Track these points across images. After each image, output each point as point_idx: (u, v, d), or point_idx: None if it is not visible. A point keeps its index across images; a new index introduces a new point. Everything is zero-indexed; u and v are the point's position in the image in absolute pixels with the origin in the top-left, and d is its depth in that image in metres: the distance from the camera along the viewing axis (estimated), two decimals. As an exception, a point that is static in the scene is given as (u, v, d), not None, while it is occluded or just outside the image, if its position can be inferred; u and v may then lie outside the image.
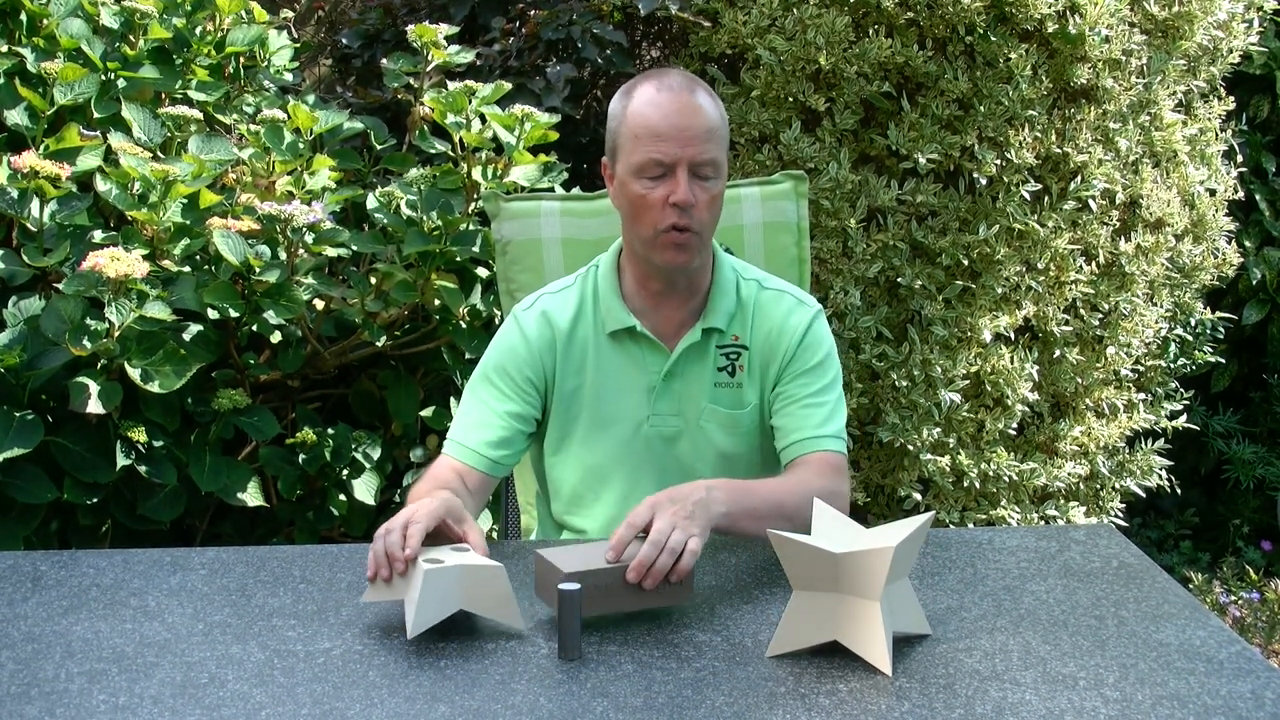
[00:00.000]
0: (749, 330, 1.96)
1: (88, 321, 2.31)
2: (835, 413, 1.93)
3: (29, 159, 2.37)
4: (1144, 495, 3.64)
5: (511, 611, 1.57)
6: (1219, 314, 3.91)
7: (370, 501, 2.72)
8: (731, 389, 1.95)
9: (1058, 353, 3.34)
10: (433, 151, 2.89)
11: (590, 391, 1.95)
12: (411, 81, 3.01)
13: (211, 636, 1.56)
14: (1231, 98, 3.70)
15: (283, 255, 2.56)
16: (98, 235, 2.48)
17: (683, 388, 1.95)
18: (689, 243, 1.84)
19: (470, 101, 2.74)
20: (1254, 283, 4.00)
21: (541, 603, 1.62)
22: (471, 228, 2.69)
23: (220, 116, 2.92)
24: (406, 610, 1.53)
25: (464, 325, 2.74)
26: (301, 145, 2.71)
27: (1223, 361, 4.03)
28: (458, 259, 2.69)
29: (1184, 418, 3.76)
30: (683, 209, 1.81)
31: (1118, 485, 3.48)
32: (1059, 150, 3.22)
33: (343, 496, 2.72)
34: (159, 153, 2.65)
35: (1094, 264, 3.35)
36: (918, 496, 3.20)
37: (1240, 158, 3.93)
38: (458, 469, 1.89)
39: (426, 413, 2.86)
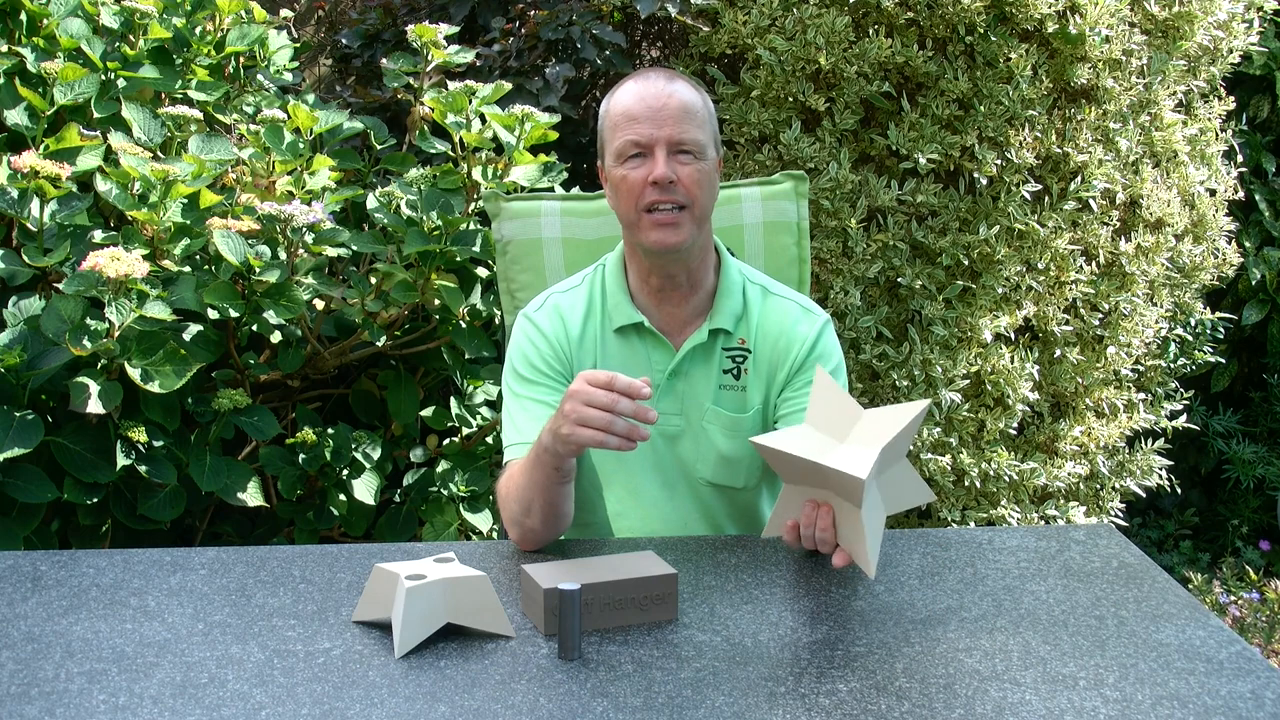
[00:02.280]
0: (754, 335, 1.96)
1: (88, 321, 2.31)
2: None
3: (29, 159, 2.37)
4: (1144, 495, 3.64)
5: (500, 620, 1.56)
6: (1219, 314, 3.91)
7: (370, 501, 2.72)
8: (736, 392, 1.96)
9: (1058, 353, 3.34)
10: (433, 151, 2.89)
11: None
12: (411, 81, 3.01)
13: (211, 636, 1.56)
14: (1231, 98, 3.70)
15: (283, 255, 2.56)
16: (98, 235, 2.48)
17: (686, 387, 1.95)
18: (677, 220, 1.84)
19: (470, 101, 2.74)
20: (1254, 283, 4.00)
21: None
22: (471, 228, 2.69)
23: (220, 116, 2.92)
24: (393, 629, 1.53)
25: (464, 325, 2.74)
26: (301, 145, 2.71)
27: (1223, 361, 4.03)
28: (458, 259, 2.69)
29: (1184, 418, 3.76)
30: (662, 186, 1.82)
31: (1118, 485, 3.48)
32: (1059, 150, 3.22)
33: (343, 496, 2.72)
34: (159, 153, 2.65)
35: (1094, 264, 3.35)
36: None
37: (1240, 158, 3.93)
38: None
39: (426, 413, 2.86)
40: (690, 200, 1.84)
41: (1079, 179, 3.26)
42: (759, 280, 2.01)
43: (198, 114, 2.67)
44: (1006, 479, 3.25)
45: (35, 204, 2.46)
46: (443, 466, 2.82)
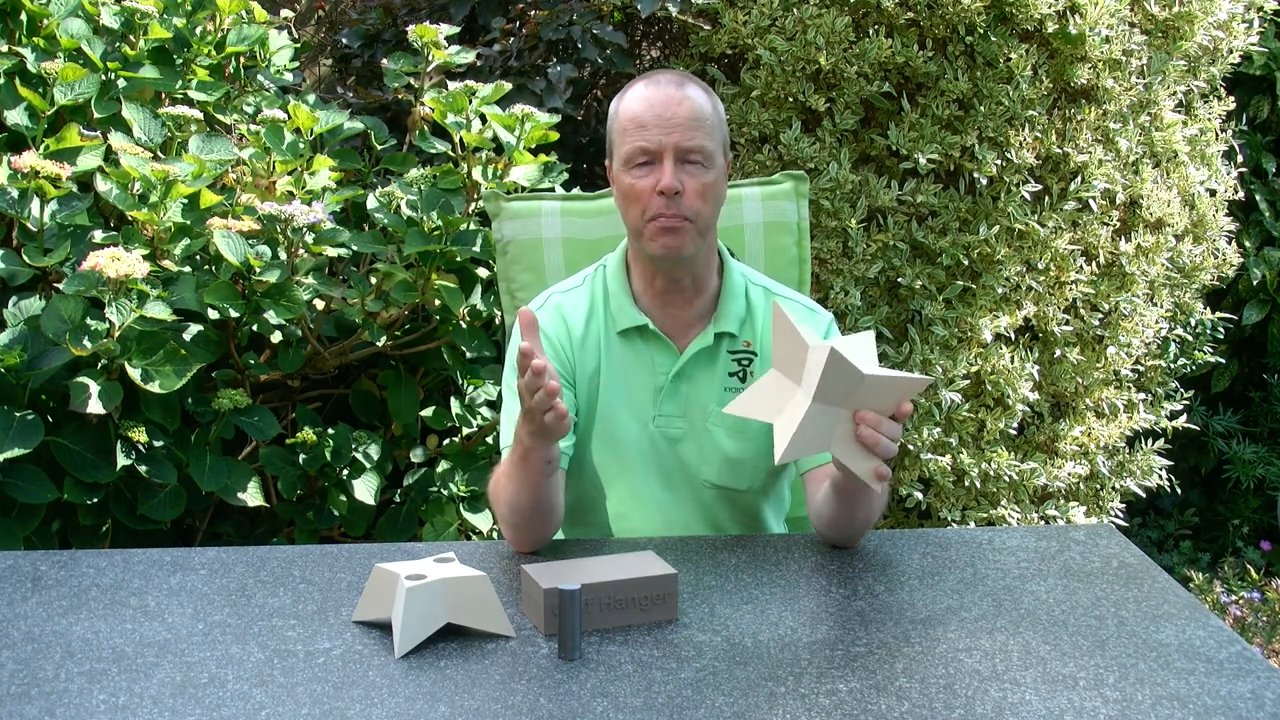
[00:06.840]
0: (760, 337, 1.96)
1: (88, 321, 2.31)
2: None
3: (29, 159, 2.37)
4: (1144, 495, 3.64)
5: (500, 620, 1.56)
6: (1219, 314, 3.91)
7: (370, 501, 2.72)
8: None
9: (1058, 353, 3.34)
10: (433, 151, 2.89)
11: (601, 389, 1.95)
12: (412, 81, 3.01)
13: (211, 636, 1.56)
14: (1231, 98, 3.70)
15: (283, 255, 2.56)
16: (98, 235, 2.48)
17: (690, 390, 1.95)
18: (680, 227, 1.84)
19: (470, 101, 2.74)
20: (1254, 283, 4.00)
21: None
22: (472, 228, 2.69)
23: (220, 116, 2.92)
24: (393, 629, 1.53)
25: (464, 325, 2.74)
26: (302, 145, 2.71)
27: (1223, 361, 4.03)
28: (458, 259, 2.69)
29: (1184, 418, 3.76)
30: (669, 197, 1.82)
31: (1118, 485, 3.48)
32: (1059, 150, 3.22)
33: (343, 496, 2.72)
34: (159, 153, 2.65)
35: (1094, 264, 3.35)
36: (919, 495, 3.20)
37: (1240, 158, 3.93)
38: None
39: (426, 413, 2.86)
40: (694, 214, 1.84)
41: (1079, 179, 3.26)
42: (761, 282, 2.01)
43: (198, 114, 2.67)
44: (1006, 479, 3.25)
45: (35, 204, 2.46)
46: (443, 466, 2.82)
